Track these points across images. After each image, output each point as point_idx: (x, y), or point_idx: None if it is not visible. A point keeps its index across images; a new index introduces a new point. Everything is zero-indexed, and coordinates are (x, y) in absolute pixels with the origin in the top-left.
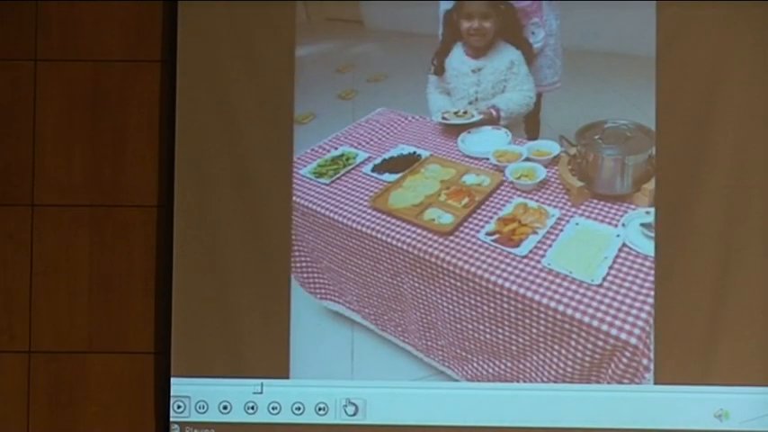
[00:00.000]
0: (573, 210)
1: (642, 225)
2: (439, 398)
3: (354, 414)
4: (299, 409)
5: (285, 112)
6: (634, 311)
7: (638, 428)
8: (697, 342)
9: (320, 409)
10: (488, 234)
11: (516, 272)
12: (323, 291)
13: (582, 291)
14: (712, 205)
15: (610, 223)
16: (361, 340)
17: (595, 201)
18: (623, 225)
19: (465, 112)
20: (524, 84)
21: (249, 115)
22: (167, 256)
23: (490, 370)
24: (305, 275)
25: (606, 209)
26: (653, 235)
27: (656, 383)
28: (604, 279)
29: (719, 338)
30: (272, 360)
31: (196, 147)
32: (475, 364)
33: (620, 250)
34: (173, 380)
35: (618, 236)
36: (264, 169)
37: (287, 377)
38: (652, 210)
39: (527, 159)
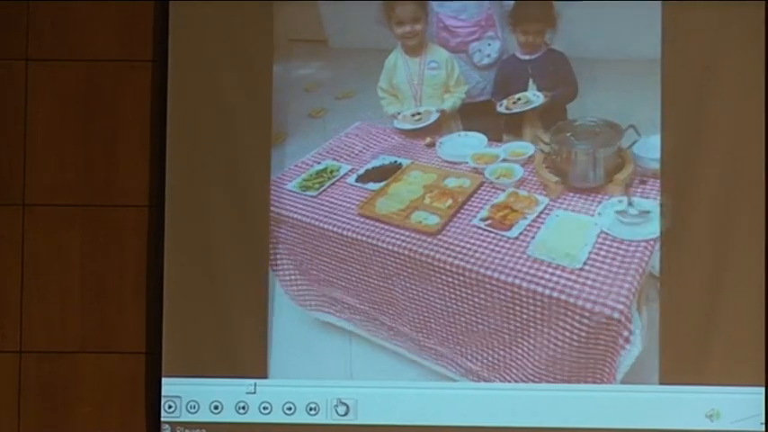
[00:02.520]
0: (552, 203)
1: (617, 212)
2: (430, 398)
3: (345, 414)
4: (290, 408)
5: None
6: (615, 289)
7: (629, 428)
8: (689, 342)
9: (311, 409)
10: (482, 220)
11: (504, 262)
12: (313, 303)
13: (566, 275)
14: (704, 207)
15: (587, 213)
16: (357, 340)
17: (571, 194)
18: (599, 214)
19: (420, 113)
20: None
21: (242, 115)
22: (159, 256)
23: (484, 360)
24: (294, 288)
25: (582, 200)
26: (627, 221)
27: (647, 383)
28: (585, 263)
29: (711, 339)
30: (265, 360)
31: (188, 146)
32: (468, 357)
33: (598, 237)
34: (164, 380)
35: (596, 224)
36: (257, 168)
37: (280, 377)
38: (625, 198)
39: (504, 160)
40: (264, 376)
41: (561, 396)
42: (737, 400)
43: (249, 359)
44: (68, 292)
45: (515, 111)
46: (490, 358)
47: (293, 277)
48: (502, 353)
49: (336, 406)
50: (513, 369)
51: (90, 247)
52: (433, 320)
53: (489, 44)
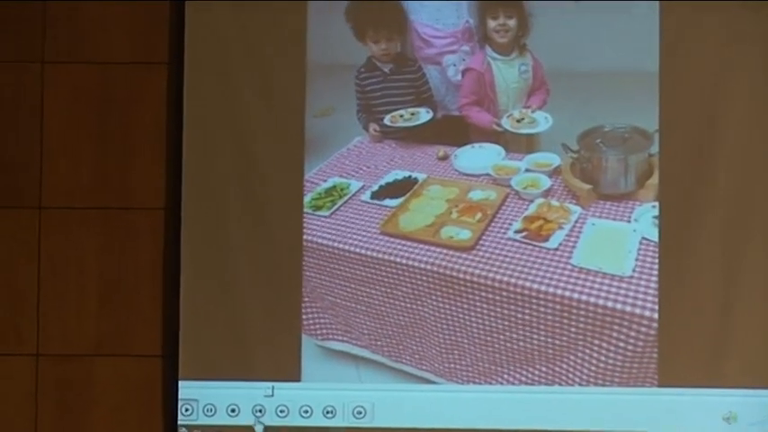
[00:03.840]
0: (584, 212)
1: (654, 218)
2: (449, 401)
3: (362, 417)
4: (306, 412)
5: (295, 115)
6: None
7: (644, 431)
8: (705, 344)
9: (328, 413)
10: (517, 232)
11: (549, 274)
12: (324, 331)
13: (616, 283)
14: (717, 208)
15: (622, 220)
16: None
17: (602, 201)
18: (635, 220)
19: (412, 114)
20: None
21: (258, 117)
22: (175, 259)
23: (523, 378)
24: (304, 316)
25: (615, 207)
26: None
27: (664, 386)
28: (634, 270)
29: (727, 340)
30: (282, 363)
31: (204, 149)
32: (506, 376)
33: (640, 243)
34: (180, 383)
35: (634, 230)
36: (273, 171)
37: (298, 380)
38: (657, 203)
39: (527, 171)
40: (282, 379)
41: (576, 399)
42: (755, 403)
43: (266, 362)
44: (84, 294)
45: (522, 132)
46: (531, 375)
47: (303, 304)
48: (544, 369)
49: (353, 409)
50: (556, 384)
51: (106, 250)
52: (466, 341)
53: (464, 59)
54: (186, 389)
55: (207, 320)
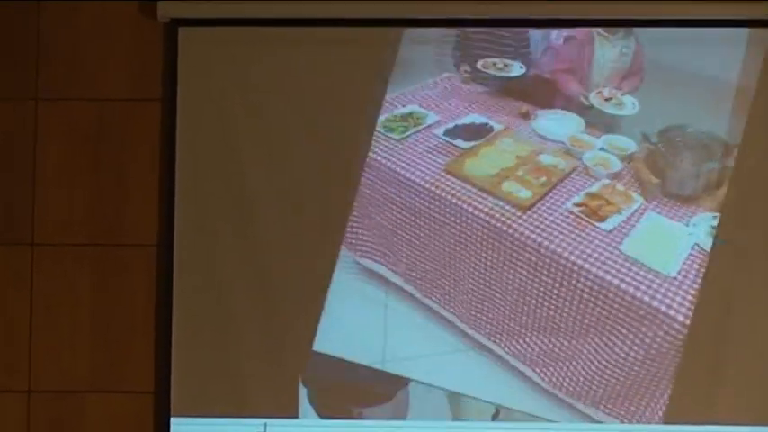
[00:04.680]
0: (646, 204)
1: (712, 227)
2: None
3: None
4: None
5: (288, 151)
6: None
7: None
8: (702, 380)
9: None
10: (575, 205)
11: (596, 254)
12: (364, 249)
13: (658, 281)
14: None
15: (680, 221)
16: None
17: (666, 198)
18: (694, 225)
19: (505, 65)
20: None
21: (251, 154)
22: (167, 296)
23: (543, 346)
24: (347, 230)
25: (676, 207)
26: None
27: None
28: (678, 272)
29: (722, 377)
30: (277, 399)
31: (197, 185)
32: (527, 339)
33: (692, 248)
34: (172, 419)
35: (690, 234)
36: (266, 207)
37: (295, 416)
38: (718, 215)
39: (601, 149)
40: (277, 416)
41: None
42: None
43: (259, 399)
44: (77, 331)
45: (607, 110)
46: (550, 346)
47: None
48: (566, 344)
49: None
50: (571, 364)
51: (98, 287)
52: (498, 296)
53: None
54: (178, 425)
55: (199, 357)
